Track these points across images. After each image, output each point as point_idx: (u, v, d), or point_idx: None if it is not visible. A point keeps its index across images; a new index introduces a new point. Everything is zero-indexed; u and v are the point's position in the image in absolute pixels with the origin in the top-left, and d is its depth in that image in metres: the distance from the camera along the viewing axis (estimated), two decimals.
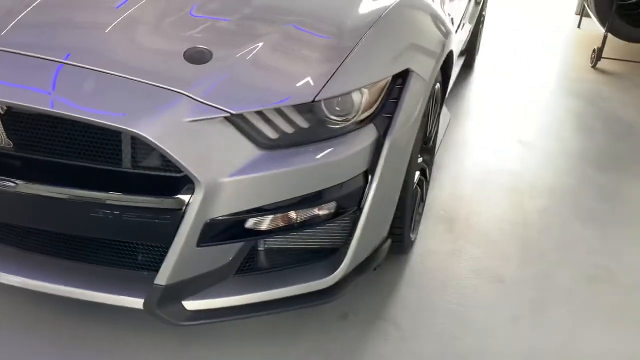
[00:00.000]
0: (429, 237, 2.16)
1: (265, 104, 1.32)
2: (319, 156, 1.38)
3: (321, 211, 1.45)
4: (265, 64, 1.39)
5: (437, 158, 2.64)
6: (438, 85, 1.95)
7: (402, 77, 1.55)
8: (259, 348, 1.60)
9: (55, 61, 1.32)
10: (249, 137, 1.33)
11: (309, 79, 1.37)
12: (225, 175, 1.29)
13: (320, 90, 1.35)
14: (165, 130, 1.24)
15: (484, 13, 4.42)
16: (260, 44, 1.43)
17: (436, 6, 1.91)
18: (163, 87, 1.28)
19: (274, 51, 1.43)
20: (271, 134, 1.35)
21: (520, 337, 1.71)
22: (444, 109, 2.96)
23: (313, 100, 1.35)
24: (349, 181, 1.44)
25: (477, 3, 3.71)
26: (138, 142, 1.31)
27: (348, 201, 1.47)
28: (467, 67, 4.32)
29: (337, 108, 1.42)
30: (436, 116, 2.07)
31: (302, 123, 1.39)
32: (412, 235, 1.98)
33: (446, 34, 1.86)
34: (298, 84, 1.36)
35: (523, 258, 2.09)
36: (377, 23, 1.56)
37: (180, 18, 1.50)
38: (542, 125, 3.41)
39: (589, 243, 2.21)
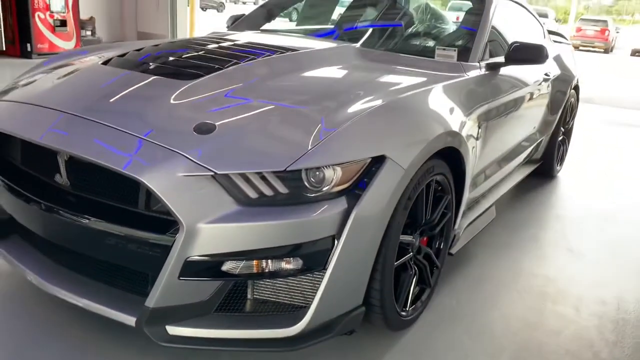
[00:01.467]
0: (431, 323, 2.25)
1: (247, 168, 1.64)
2: (289, 215, 1.65)
3: (288, 265, 1.69)
4: (254, 137, 1.73)
5: (468, 253, 2.74)
6: (441, 177, 2.14)
7: (380, 162, 1.79)
8: None
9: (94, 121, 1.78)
10: (230, 194, 1.64)
11: (286, 151, 1.68)
12: (205, 222, 1.61)
13: (293, 162, 1.65)
14: (162, 181, 1.60)
15: (568, 126, 4.46)
16: (260, 122, 1.79)
17: (438, 108, 2.15)
18: (169, 149, 1.66)
19: (265, 126, 1.78)
20: (252, 194, 1.66)
21: None
22: (492, 208, 3.08)
23: (285, 170, 1.64)
24: (316, 242, 1.68)
25: (551, 113, 3.82)
26: (149, 192, 1.69)
27: (314, 260, 1.70)
28: (548, 175, 4.35)
29: (312, 179, 1.69)
30: (443, 205, 2.23)
31: (281, 188, 1.67)
32: (403, 314, 2.11)
33: (443, 133, 2.06)
34: (276, 154, 1.68)
35: (513, 355, 2.10)
36: (361, 115, 1.85)
37: (205, 101, 1.92)
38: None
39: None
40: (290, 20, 3.87)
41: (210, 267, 1.66)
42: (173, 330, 1.71)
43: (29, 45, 8.53)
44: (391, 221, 1.84)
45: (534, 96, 3.38)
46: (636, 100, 9.51)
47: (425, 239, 2.25)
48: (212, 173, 1.62)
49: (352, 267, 1.78)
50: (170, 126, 1.79)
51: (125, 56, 2.35)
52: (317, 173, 1.69)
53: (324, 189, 1.70)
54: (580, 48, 24.65)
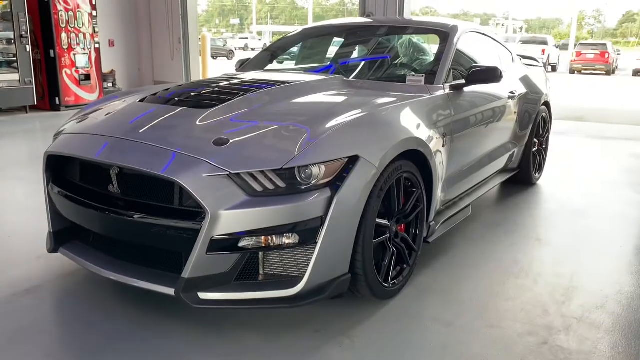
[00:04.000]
0: (412, 296, 2.76)
1: (253, 168, 2.22)
2: (287, 201, 2.21)
3: (288, 240, 2.24)
4: (260, 146, 2.32)
5: (448, 242, 3.26)
6: (409, 174, 2.69)
7: (355, 160, 2.36)
8: (256, 344, 2.34)
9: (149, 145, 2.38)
10: (241, 188, 2.21)
11: (282, 155, 2.25)
12: (224, 209, 2.17)
13: (287, 162, 2.22)
14: (192, 180, 2.18)
15: (543, 138, 4.99)
16: (262, 135, 2.38)
17: (402, 120, 2.72)
18: (195, 157, 2.25)
19: (267, 138, 2.36)
20: (257, 187, 2.22)
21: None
22: (469, 208, 3.60)
23: (281, 168, 2.21)
24: (309, 221, 2.23)
25: (521, 128, 4.37)
26: (181, 189, 2.26)
27: (307, 235, 2.24)
28: (527, 183, 4.86)
29: (303, 175, 2.26)
30: (414, 198, 2.77)
31: (280, 183, 2.24)
32: (386, 285, 2.63)
33: (405, 139, 2.62)
34: (274, 157, 2.25)
35: (478, 314, 2.59)
36: (339, 127, 2.43)
37: (220, 121, 2.51)
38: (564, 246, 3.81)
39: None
40: (292, 63, 4.50)
41: (229, 243, 2.21)
42: (203, 295, 2.25)
43: (57, 98, 9.35)
44: (367, 206, 2.39)
45: (501, 111, 3.95)
46: (623, 115, 10.01)
47: (402, 226, 2.78)
48: (227, 173, 2.20)
49: (337, 241, 2.32)
50: (195, 142, 2.39)
51: (156, 95, 2.98)
52: (307, 170, 2.26)
53: (312, 182, 2.26)
54: (582, 72, 25.30)
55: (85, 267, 2.57)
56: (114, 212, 2.40)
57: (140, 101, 2.91)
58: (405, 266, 2.79)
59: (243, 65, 4.24)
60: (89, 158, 2.47)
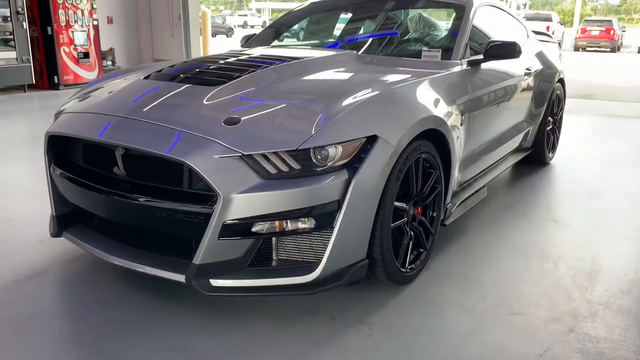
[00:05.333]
0: (429, 280, 2.66)
1: (267, 149, 2.09)
2: (302, 184, 2.09)
3: (303, 224, 2.13)
4: (272, 126, 2.19)
5: (463, 225, 3.15)
6: (427, 155, 2.57)
7: (373, 140, 2.23)
8: (267, 332, 2.24)
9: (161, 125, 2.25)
10: (255, 170, 2.09)
11: (297, 134, 2.13)
12: (237, 192, 2.05)
13: (303, 143, 2.09)
14: (202, 162, 2.05)
15: (557, 117, 4.85)
16: (274, 114, 2.25)
17: (420, 97, 2.59)
18: (206, 137, 2.12)
19: (279, 117, 2.23)
20: (271, 169, 2.10)
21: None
22: (484, 189, 3.49)
23: (297, 149, 2.09)
24: (324, 205, 2.11)
25: (536, 106, 4.23)
26: (190, 171, 2.14)
27: (324, 219, 2.13)
28: (540, 163, 4.73)
29: (319, 156, 2.13)
30: (432, 179, 2.66)
31: (294, 165, 2.12)
32: (403, 270, 2.52)
33: (424, 117, 2.49)
34: (289, 137, 2.12)
35: (499, 300, 2.49)
36: (355, 105, 2.30)
37: (229, 100, 2.38)
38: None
39: None
40: (298, 40, 4.34)
41: (242, 228, 2.10)
42: (215, 282, 2.15)
43: (55, 77, 9.18)
44: (385, 189, 2.27)
45: (517, 89, 3.80)
46: (633, 93, 9.84)
47: (419, 209, 2.67)
48: (240, 154, 2.07)
49: (355, 226, 2.21)
50: (204, 121, 2.26)
51: (161, 71, 2.84)
52: (323, 151, 2.13)
53: (329, 164, 2.14)
54: (587, 49, 24.96)
55: (90, 252, 2.47)
56: (119, 195, 2.28)
57: (144, 78, 2.77)
58: (422, 250, 2.69)
59: (249, 41, 4.09)
60: (91, 138, 2.35)
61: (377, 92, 2.46)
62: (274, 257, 2.21)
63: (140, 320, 2.28)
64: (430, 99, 2.64)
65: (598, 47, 24.92)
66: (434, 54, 3.17)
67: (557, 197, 4.01)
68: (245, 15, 51.41)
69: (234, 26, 38.95)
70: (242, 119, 2.22)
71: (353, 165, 2.18)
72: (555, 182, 4.41)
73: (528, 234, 3.27)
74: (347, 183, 2.14)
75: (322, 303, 2.40)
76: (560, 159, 4.98)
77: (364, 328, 2.25)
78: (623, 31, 29.54)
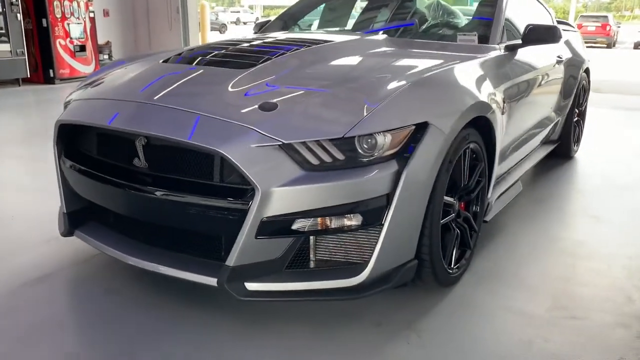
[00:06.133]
0: (474, 281, 2.44)
1: (308, 137, 1.86)
2: (347, 176, 1.87)
3: (350, 221, 1.90)
4: (312, 112, 1.97)
5: (499, 222, 2.94)
6: (475, 145, 2.35)
7: (423, 128, 2.01)
8: (308, 340, 2.02)
9: (185, 110, 2.02)
10: (295, 161, 1.86)
11: (342, 121, 1.90)
12: (277, 185, 1.83)
13: (349, 130, 1.87)
14: (238, 152, 1.82)
15: (582, 108, 4.65)
16: (314, 99, 2.02)
17: (467, 81, 2.37)
18: (242, 125, 1.89)
19: (320, 103, 2.01)
20: (313, 160, 1.87)
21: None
22: (518, 183, 3.28)
23: (343, 137, 1.86)
24: (372, 200, 1.89)
25: (564, 96, 4.02)
26: (223, 161, 1.91)
27: (372, 216, 1.91)
28: (565, 156, 4.53)
29: (365, 145, 1.91)
30: (478, 172, 2.44)
31: (338, 155, 1.89)
32: (450, 270, 2.30)
33: (475, 103, 2.28)
34: (333, 125, 1.90)
35: (555, 303, 2.28)
36: (404, 88, 2.07)
37: (260, 84, 2.15)
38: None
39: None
40: (316, 26, 4.12)
41: (282, 226, 1.88)
42: (251, 286, 1.93)
43: (51, 71, 8.89)
44: (436, 182, 2.06)
45: (549, 77, 3.59)
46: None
47: (462, 204, 2.45)
48: (279, 143, 1.85)
49: (405, 223, 1.99)
50: (237, 106, 2.02)
51: (181, 54, 2.60)
52: (370, 140, 1.91)
53: (376, 153, 1.92)
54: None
55: (106, 253, 2.23)
56: (140, 190, 2.05)
57: (163, 62, 2.53)
58: (466, 249, 2.47)
59: (263, 28, 3.85)
60: (108, 126, 2.11)
61: (425, 74, 2.23)
62: (316, 258, 1.99)
63: (167, 328, 2.05)
64: (479, 84, 2.42)
65: (594, 42, 24.80)
66: (470, 37, 2.95)
67: (589, 192, 3.81)
68: (238, 12, 50.96)
69: (228, 22, 38.57)
70: (279, 104, 1.99)
71: (402, 155, 1.96)
72: (583, 175, 4.21)
73: (570, 230, 3.07)
74: (397, 175, 1.92)
75: (365, 308, 2.18)
76: (583, 152, 4.79)
77: (414, 336, 2.03)
78: (618, 27, 29.50)
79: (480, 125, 2.41)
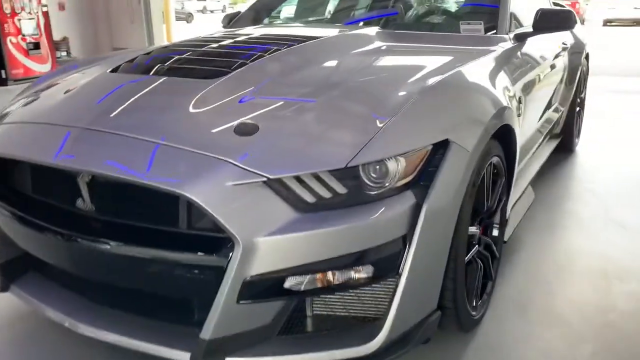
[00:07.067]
0: (499, 321, 2.06)
1: (302, 170, 1.43)
2: (354, 218, 1.45)
3: (358, 274, 1.49)
4: (304, 133, 1.53)
5: (514, 238, 2.56)
6: (496, 159, 1.95)
7: (442, 147, 1.60)
8: None
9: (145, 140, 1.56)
10: (287, 200, 1.43)
11: (344, 146, 1.48)
12: (263, 235, 1.40)
13: (354, 157, 1.45)
14: (209, 193, 1.39)
15: (582, 96, 4.31)
16: (304, 117, 1.58)
17: (487, 84, 1.96)
18: (212, 156, 1.45)
19: (316, 123, 1.57)
20: (309, 198, 1.45)
21: None
22: (529, 188, 2.90)
23: (346, 166, 1.44)
24: (386, 245, 1.48)
25: (567, 85, 3.65)
26: (191, 206, 1.47)
27: (386, 265, 1.50)
28: (567, 150, 4.18)
29: (373, 175, 1.49)
30: (499, 189, 2.05)
31: (339, 188, 1.47)
32: (474, 313, 1.91)
33: (500, 108, 1.89)
34: (333, 151, 1.47)
35: (596, 346, 1.92)
36: (417, 97, 1.65)
37: (238, 98, 1.71)
38: None
39: None
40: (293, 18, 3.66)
41: (271, 286, 1.45)
42: None
43: (3, 71, 8.20)
44: (460, 212, 1.65)
45: (556, 67, 3.21)
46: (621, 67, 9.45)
47: (482, 228, 2.06)
48: (264, 179, 1.41)
49: (427, 269, 1.58)
50: (205, 129, 1.58)
51: (133, 61, 2.12)
52: (378, 167, 1.49)
53: (387, 184, 1.50)
54: None
55: (48, 316, 1.77)
56: (85, 239, 1.59)
57: (111, 72, 2.06)
58: (488, 280, 2.09)
59: (233, 21, 3.36)
60: (42, 161, 1.64)
61: (437, 78, 1.81)
62: (316, 320, 1.56)
63: None
64: (499, 86, 2.01)
65: None
66: (475, 27, 2.54)
67: (604, 191, 3.43)
68: (205, 0, 49.74)
69: (194, 11, 37.49)
70: (261, 125, 1.55)
71: (419, 183, 1.55)
72: (591, 171, 3.85)
73: (593, 241, 2.70)
74: (415, 210, 1.51)
75: None
76: (583, 144, 4.44)
77: None
78: (586, 5, 29.50)
79: (500, 134, 2.01)
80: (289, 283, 1.46)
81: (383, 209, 1.47)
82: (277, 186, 1.43)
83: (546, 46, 3.01)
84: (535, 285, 2.30)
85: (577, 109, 4.16)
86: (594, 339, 1.95)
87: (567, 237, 2.76)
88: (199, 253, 1.46)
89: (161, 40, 10.22)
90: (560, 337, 1.95)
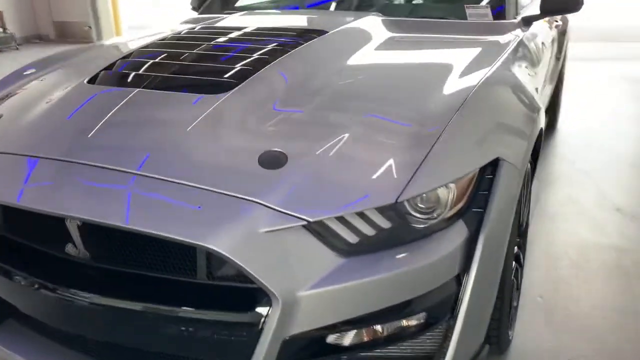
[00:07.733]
0: (526, 331, 1.93)
1: (346, 209, 1.22)
2: (404, 261, 1.25)
3: (410, 322, 1.31)
4: (343, 163, 1.30)
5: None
6: (528, 165, 1.79)
7: (492, 166, 1.41)
8: None
9: (130, 173, 1.30)
10: (329, 245, 1.22)
11: (391, 176, 1.26)
12: (305, 288, 1.19)
13: (404, 190, 1.24)
14: (238, 243, 1.16)
15: (563, 70, 4.21)
16: (338, 141, 1.35)
17: (524, 79, 1.78)
18: (236, 196, 1.21)
19: (352, 148, 1.34)
20: (351, 238, 1.24)
21: None
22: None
23: (396, 201, 1.23)
24: (439, 288, 1.30)
25: (557, 60, 3.52)
26: (212, 255, 1.24)
27: (439, 310, 1.32)
28: (550, 127, 4.10)
29: (421, 205, 1.29)
30: (528, 198, 1.90)
31: (384, 223, 1.27)
32: (510, 332, 1.78)
33: (537, 111, 1.71)
34: (379, 183, 1.26)
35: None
36: (462, 107, 1.44)
37: (259, 116, 1.46)
38: None
39: None
40: None
41: (315, 343, 1.25)
42: None
43: None
44: (511, 235, 1.48)
45: (552, 46, 3.07)
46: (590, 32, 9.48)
47: None
48: (304, 222, 1.19)
49: (482, 304, 1.42)
50: (223, 162, 1.33)
51: (112, 68, 1.81)
52: (429, 196, 1.29)
53: (436, 215, 1.31)
54: None
55: None
56: (78, 295, 1.33)
57: (88, 82, 1.74)
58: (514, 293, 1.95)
59: (205, 5, 3.00)
60: (9, 203, 1.36)
61: (474, 81, 1.59)
62: None
63: None
64: (530, 84, 1.83)
65: None
66: (482, 11, 2.33)
67: (598, 174, 3.32)
68: None
69: None
70: (288, 154, 1.31)
71: (470, 211, 1.36)
72: (580, 151, 3.76)
73: (603, 233, 2.61)
74: (470, 243, 1.33)
75: None
76: (563, 118, 4.37)
77: None
78: None
79: None
80: (333, 339, 1.26)
81: (434, 249, 1.28)
82: (317, 229, 1.21)
83: (544, 26, 2.84)
84: (555, 288, 2.19)
85: (560, 84, 4.06)
86: (632, 356, 1.85)
87: (575, 229, 2.66)
88: (227, 311, 1.24)
89: (106, 11, 9.51)
90: (593, 349, 1.85)
